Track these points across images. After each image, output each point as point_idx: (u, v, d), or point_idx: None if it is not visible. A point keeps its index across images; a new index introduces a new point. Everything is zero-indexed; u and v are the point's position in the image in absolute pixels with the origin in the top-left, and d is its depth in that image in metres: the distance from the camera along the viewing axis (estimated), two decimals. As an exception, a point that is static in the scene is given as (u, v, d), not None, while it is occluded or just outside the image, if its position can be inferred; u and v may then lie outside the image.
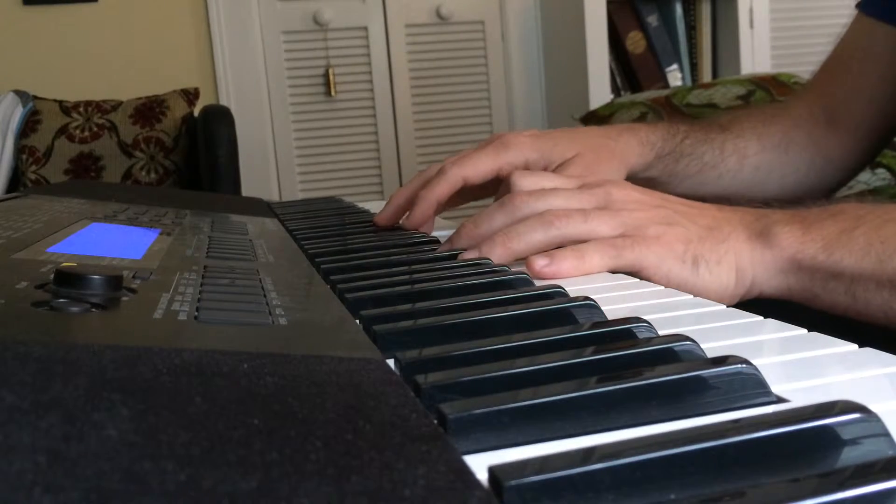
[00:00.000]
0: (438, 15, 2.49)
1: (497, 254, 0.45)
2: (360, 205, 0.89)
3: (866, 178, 1.35)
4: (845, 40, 0.74)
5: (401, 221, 0.62)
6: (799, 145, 0.72)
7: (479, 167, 0.59)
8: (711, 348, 0.28)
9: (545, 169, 0.62)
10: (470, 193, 0.63)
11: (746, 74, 1.96)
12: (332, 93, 2.44)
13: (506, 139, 0.61)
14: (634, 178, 0.66)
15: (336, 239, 0.59)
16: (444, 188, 0.58)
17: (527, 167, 0.61)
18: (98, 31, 2.31)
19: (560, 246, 0.45)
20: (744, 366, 0.23)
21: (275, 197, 2.41)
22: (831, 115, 0.72)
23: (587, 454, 0.18)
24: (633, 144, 0.67)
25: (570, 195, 0.47)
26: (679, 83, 2.37)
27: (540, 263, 0.42)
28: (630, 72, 2.38)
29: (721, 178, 0.70)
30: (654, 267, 0.43)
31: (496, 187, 0.62)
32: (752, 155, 0.71)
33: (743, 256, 0.44)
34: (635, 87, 2.36)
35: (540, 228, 0.45)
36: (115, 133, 2.10)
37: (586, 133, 0.66)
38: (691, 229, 0.45)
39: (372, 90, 2.48)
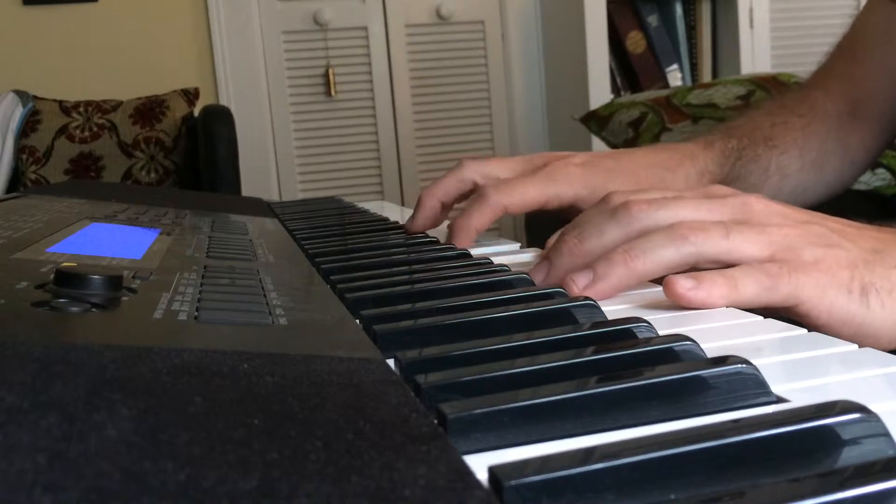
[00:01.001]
0: (438, 15, 2.49)
1: (618, 275, 0.37)
2: (360, 205, 0.89)
3: (866, 178, 1.35)
4: (862, 24, 0.71)
5: None
6: (833, 156, 0.70)
7: (525, 198, 0.53)
8: (711, 348, 0.28)
9: None
10: None
11: (746, 74, 1.96)
12: (332, 93, 2.45)
13: (553, 170, 0.55)
14: None
15: (336, 239, 0.59)
16: (486, 218, 0.53)
17: (574, 204, 0.56)
18: (98, 31, 2.31)
19: (693, 268, 0.37)
20: (744, 366, 0.23)
21: (275, 197, 2.41)
22: (854, 107, 0.70)
23: (587, 454, 0.18)
24: (693, 177, 0.61)
25: (699, 204, 0.39)
26: (679, 83, 2.37)
27: (684, 285, 0.35)
28: (630, 72, 2.38)
29: None
30: (815, 300, 0.35)
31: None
32: (791, 174, 0.68)
33: None
34: (635, 87, 2.36)
35: (670, 244, 0.37)
36: (115, 133, 2.10)
37: (640, 163, 0.60)
38: (854, 252, 0.37)
39: (372, 90, 2.48)
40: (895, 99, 0.69)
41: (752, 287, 0.35)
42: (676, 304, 0.35)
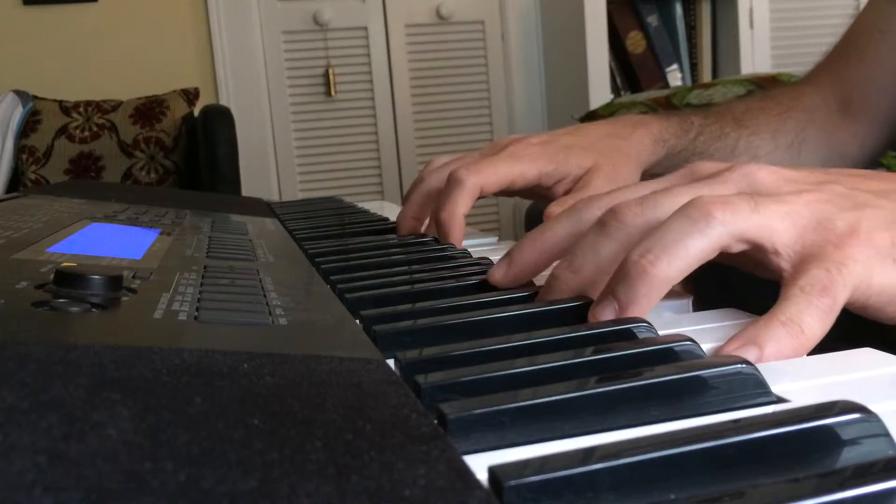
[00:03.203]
0: (438, 15, 2.49)
1: (643, 291, 0.29)
2: (360, 205, 0.89)
3: (866, 178, 1.34)
4: (860, 23, 0.71)
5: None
6: (813, 143, 0.68)
7: (497, 176, 0.54)
8: (711, 348, 0.28)
9: (560, 182, 0.56)
10: None
11: (746, 74, 1.96)
12: (332, 93, 2.44)
13: (516, 149, 0.56)
14: (642, 176, 0.61)
15: (336, 239, 0.59)
16: (466, 201, 0.53)
17: (540, 181, 0.56)
18: (98, 31, 2.31)
19: (726, 253, 0.30)
20: (744, 366, 0.23)
21: (275, 197, 2.41)
22: (844, 104, 0.70)
23: (587, 454, 0.18)
24: (647, 143, 0.61)
25: (698, 188, 0.32)
26: (679, 83, 2.37)
27: (750, 357, 0.26)
28: (630, 72, 2.38)
29: None
30: (863, 286, 0.29)
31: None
32: (763, 155, 0.66)
33: None
34: (635, 87, 2.36)
35: (694, 229, 0.29)
36: (115, 133, 2.10)
37: (596, 135, 0.59)
38: (888, 208, 0.30)
39: (372, 90, 2.48)
40: (884, 103, 0.68)
41: (817, 321, 0.28)
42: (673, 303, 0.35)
